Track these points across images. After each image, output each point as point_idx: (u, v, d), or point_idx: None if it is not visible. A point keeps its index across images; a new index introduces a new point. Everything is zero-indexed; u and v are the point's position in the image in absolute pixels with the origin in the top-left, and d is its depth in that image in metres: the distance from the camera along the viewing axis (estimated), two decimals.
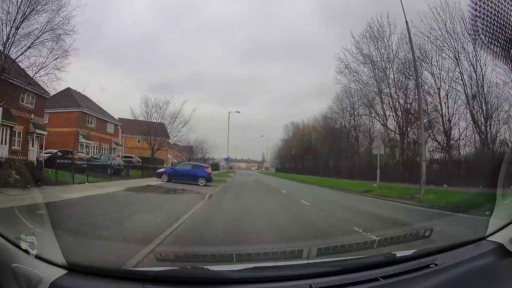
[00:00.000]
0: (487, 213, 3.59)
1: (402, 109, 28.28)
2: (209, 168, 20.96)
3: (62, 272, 1.70)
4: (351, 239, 4.48)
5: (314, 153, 48.39)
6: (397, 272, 1.91)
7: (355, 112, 36.68)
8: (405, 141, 28.41)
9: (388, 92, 29.27)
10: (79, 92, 27.56)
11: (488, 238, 2.17)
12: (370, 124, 34.88)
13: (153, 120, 31.18)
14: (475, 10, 1.49)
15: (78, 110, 27.60)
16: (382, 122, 30.72)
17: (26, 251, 1.62)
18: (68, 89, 27.22)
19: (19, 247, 1.62)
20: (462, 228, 7.04)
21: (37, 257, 1.65)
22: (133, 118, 31.81)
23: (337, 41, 68.35)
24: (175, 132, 31.90)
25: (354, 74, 31.18)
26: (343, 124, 39.00)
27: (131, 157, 29.87)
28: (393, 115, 29.15)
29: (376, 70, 29.60)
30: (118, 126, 35.76)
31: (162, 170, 20.65)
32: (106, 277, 1.78)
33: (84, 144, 27.85)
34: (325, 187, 24.07)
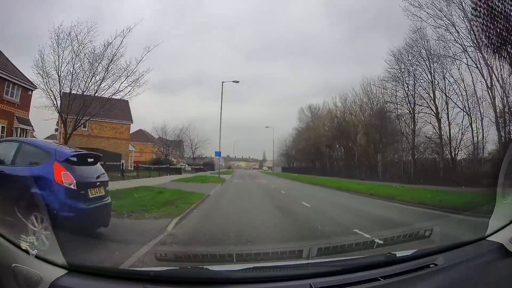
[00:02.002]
0: None
1: None
2: (64, 167, 4.08)
3: (62, 272, 1.70)
4: (351, 239, 4.46)
5: (345, 147, 34.67)
6: (397, 272, 1.90)
7: (434, 68, 21.14)
8: None
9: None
10: None
11: (488, 238, 2.17)
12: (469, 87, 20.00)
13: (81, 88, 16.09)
14: None
15: None
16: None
17: (26, 251, 1.62)
18: None
19: (19, 247, 1.62)
20: None
21: (37, 257, 1.65)
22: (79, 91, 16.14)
23: (343, 40, 67.79)
24: (109, 87, 16.82)
25: None
26: (407, 92, 23.64)
27: None
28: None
29: None
30: (30, 92, 19.76)
31: None
32: (106, 277, 1.78)
33: None
34: None
